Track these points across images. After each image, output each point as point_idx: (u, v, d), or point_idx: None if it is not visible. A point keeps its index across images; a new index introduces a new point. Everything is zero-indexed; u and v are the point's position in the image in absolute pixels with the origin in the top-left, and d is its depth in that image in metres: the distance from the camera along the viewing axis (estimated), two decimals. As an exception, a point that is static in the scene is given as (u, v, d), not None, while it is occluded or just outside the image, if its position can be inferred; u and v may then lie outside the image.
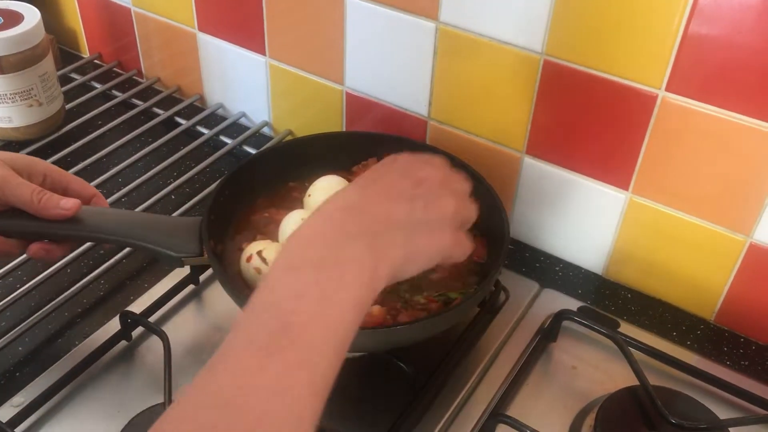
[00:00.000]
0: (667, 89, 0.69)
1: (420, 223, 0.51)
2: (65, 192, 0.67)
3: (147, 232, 0.67)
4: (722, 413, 0.67)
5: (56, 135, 1.00)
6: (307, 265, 0.45)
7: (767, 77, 0.64)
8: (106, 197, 0.79)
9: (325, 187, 0.77)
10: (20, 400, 0.67)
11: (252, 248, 0.70)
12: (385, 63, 0.87)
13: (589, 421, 0.67)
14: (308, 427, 0.40)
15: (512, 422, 0.64)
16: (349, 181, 0.78)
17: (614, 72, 0.71)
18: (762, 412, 0.68)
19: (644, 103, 0.71)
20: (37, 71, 0.94)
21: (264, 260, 0.68)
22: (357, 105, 0.92)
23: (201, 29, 1.02)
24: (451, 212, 0.53)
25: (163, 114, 1.05)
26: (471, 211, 0.57)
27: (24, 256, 0.69)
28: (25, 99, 0.95)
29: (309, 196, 0.77)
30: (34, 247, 0.66)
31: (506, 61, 0.77)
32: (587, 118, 0.75)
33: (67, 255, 0.76)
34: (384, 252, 0.47)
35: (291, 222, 0.73)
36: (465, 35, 0.78)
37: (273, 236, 0.75)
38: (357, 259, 0.46)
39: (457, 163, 0.78)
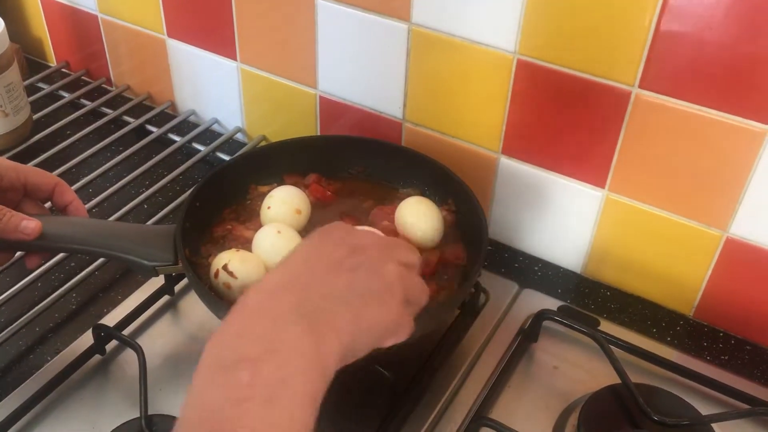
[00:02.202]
0: (641, 86, 0.69)
1: (365, 295, 0.46)
2: (25, 187, 0.65)
3: (119, 241, 0.66)
4: (704, 409, 0.67)
5: (24, 146, 0.98)
6: (243, 362, 0.39)
7: (738, 72, 0.64)
8: (76, 208, 0.78)
9: (283, 198, 0.75)
10: (-9, 419, 0.65)
11: (218, 262, 0.68)
12: (358, 66, 0.86)
13: (573, 420, 0.67)
14: None
15: (495, 425, 0.64)
16: (305, 191, 0.78)
17: (587, 70, 0.71)
18: (743, 406, 0.68)
19: (618, 100, 0.71)
20: (2, 81, 0.92)
21: (231, 274, 0.67)
22: (331, 109, 0.92)
23: (170, 35, 1.00)
24: (396, 281, 0.48)
25: (133, 122, 1.03)
26: (419, 284, 0.51)
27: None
28: (-9, 110, 0.93)
29: (269, 208, 0.75)
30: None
31: (480, 62, 0.76)
32: (562, 117, 0.75)
33: (44, 263, 0.74)
34: (329, 334, 0.42)
35: (262, 237, 0.71)
36: (438, 36, 0.77)
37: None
38: (299, 349, 0.40)
39: (433, 165, 0.79)
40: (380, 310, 0.46)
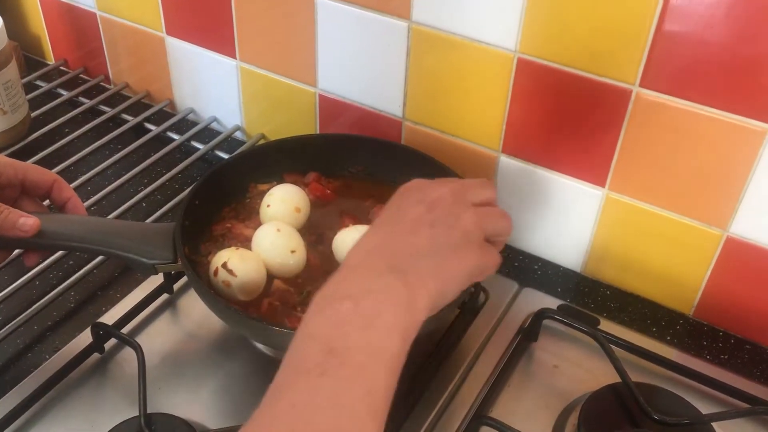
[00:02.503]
0: (641, 85, 0.69)
1: (446, 247, 0.50)
2: (23, 184, 0.65)
3: (118, 239, 0.65)
4: (704, 408, 0.67)
5: (22, 144, 0.98)
6: (344, 297, 0.45)
7: (739, 71, 0.64)
8: (75, 206, 0.77)
9: (282, 196, 0.75)
10: (-11, 417, 0.65)
11: (217, 260, 0.68)
12: (358, 64, 0.86)
13: (573, 420, 0.67)
14: None
15: (496, 424, 0.64)
16: (305, 190, 0.78)
17: (588, 69, 0.71)
18: (743, 405, 0.68)
19: (619, 99, 0.70)
20: (0, 79, 0.92)
21: (230, 272, 0.67)
22: (330, 107, 0.91)
23: (169, 33, 1.00)
24: (472, 227, 0.52)
25: (132, 120, 1.03)
26: (497, 218, 0.55)
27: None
28: (-11, 107, 0.93)
29: (268, 206, 0.75)
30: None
31: (480, 60, 0.76)
32: (562, 116, 0.75)
33: (43, 260, 0.74)
34: (418, 285, 0.47)
35: (262, 235, 0.71)
36: (438, 34, 0.77)
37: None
38: (391, 291, 0.46)
39: (433, 164, 0.78)
40: (462, 258, 0.51)
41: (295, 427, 0.39)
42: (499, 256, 0.54)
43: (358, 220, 0.76)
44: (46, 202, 0.72)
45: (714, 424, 0.66)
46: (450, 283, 0.50)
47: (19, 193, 0.66)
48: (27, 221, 0.61)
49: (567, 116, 0.75)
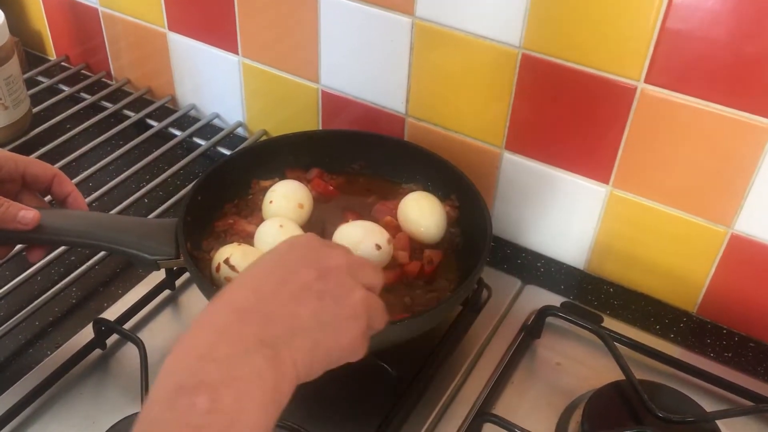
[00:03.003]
0: (646, 81, 0.68)
1: (328, 324, 0.46)
2: (23, 178, 0.65)
3: (121, 235, 0.65)
4: (708, 405, 0.67)
5: (23, 139, 0.98)
6: (201, 388, 0.39)
7: (745, 67, 0.64)
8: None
9: (285, 192, 0.75)
10: (-10, 413, 0.65)
11: (219, 256, 0.68)
12: (361, 60, 0.85)
13: (576, 417, 0.67)
14: None
15: (499, 421, 0.64)
16: (307, 186, 0.77)
17: (593, 65, 0.70)
18: (747, 403, 0.68)
19: (623, 95, 0.70)
20: (2, 74, 0.92)
21: (232, 268, 0.66)
22: (333, 103, 0.91)
23: (171, 29, 0.99)
24: (361, 309, 0.48)
25: (133, 116, 1.03)
26: (381, 310, 0.50)
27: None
28: (-10, 103, 0.92)
29: (271, 202, 0.75)
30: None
31: (484, 56, 0.76)
32: (566, 112, 0.75)
33: (45, 256, 0.74)
34: (287, 363, 0.43)
35: (264, 231, 0.71)
36: (442, 30, 0.77)
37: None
38: (257, 378, 0.41)
39: (436, 160, 0.78)
40: (340, 337, 0.47)
41: None
42: (367, 346, 0.49)
43: (360, 216, 0.76)
44: (48, 199, 0.71)
45: (718, 422, 0.65)
46: (320, 363, 0.45)
47: (20, 188, 0.66)
48: (27, 214, 0.61)
49: (571, 113, 0.74)
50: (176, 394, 0.39)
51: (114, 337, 0.72)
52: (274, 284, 0.46)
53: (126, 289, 0.78)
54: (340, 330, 0.47)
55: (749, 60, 0.63)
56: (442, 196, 0.77)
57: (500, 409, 0.68)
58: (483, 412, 0.66)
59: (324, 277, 0.47)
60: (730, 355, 0.75)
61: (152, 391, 0.40)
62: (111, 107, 1.04)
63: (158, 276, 0.76)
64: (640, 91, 0.69)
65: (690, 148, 0.70)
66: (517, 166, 0.81)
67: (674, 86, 0.67)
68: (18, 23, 1.14)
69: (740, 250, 0.73)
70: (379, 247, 0.69)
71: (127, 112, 1.04)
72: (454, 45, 0.77)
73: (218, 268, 0.67)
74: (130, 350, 0.70)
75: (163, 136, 1.01)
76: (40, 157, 0.93)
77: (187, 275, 0.79)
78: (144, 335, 0.71)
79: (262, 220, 0.74)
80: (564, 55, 0.71)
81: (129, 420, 0.64)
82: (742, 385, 0.69)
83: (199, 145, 0.99)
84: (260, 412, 0.40)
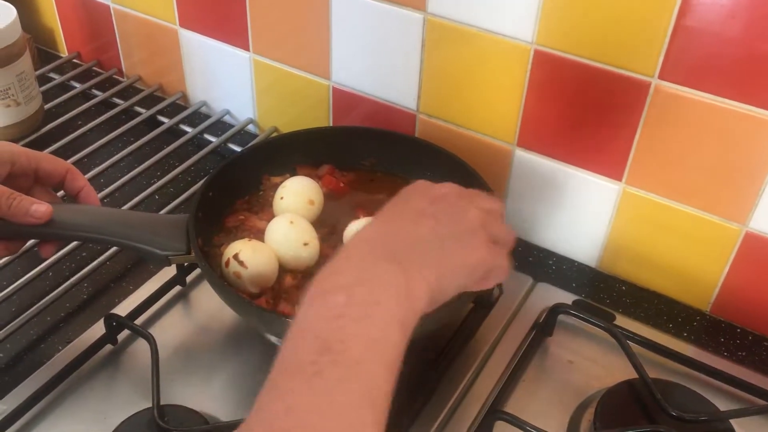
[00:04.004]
0: (660, 77, 0.68)
1: (449, 238, 0.49)
2: (36, 173, 0.65)
3: (132, 230, 0.65)
4: (721, 405, 0.67)
5: (35, 135, 0.98)
6: (337, 288, 0.44)
7: (759, 63, 0.63)
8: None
9: (296, 189, 0.75)
10: (2, 408, 0.65)
11: (229, 251, 0.68)
12: (372, 56, 0.85)
13: (588, 415, 0.66)
14: None
15: (511, 419, 0.63)
16: (318, 182, 0.77)
17: (606, 60, 0.70)
18: (762, 402, 0.67)
19: (637, 91, 0.70)
20: (14, 70, 0.92)
21: (241, 263, 0.66)
22: (344, 100, 0.91)
23: (182, 25, 1.00)
24: (477, 225, 0.50)
25: (144, 113, 1.03)
26: (502, 226, 0.53)
27: (2, 260, 0.67)
28: (2, 99, 0.93)
29: (281, 198, 0.74)
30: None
31: (496, 52, 0.75)
32: (579, 109, 0.74)
33: (57, 251, 0.74)
34: (416, 272, 0.46)
35: (275, 227, 0.71)
36: (454, 26, 0.76)
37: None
38: (389, 280, 0.45)
39: (448, 157, 0.78)
40: (464, 252, 0.49)
41: None
42: (507, 261, 0.52)
43: (371, 213, 0.75)
44: (60, 194, 0.72)
45: (732, 421, 0.65)
46: (450, 277, 0.48)
47: (33, 183, 0.66)
48: (39, 208, 0.61)
49: (584, 109, 0.74)
50: (316, 296, 0.44)
51: (125, 332, 0.72)
52: (396, 216, 0.51)
53: (137, 285, 0.78)
54: (462, 245, 0.49)
55: (764, 56, 0.62)
56: (454, 193, 0.77)
57: (512, 406, 0.67)
58: (494, 410, 0.65)
59: (436, 202, 0.51)
60: (744, 354, 0.75)
61: (301, 301, 0.45)
62: (122, 104, 1.05)
63: (169, 272, 0.76)
64: (654, 87, 0.69)
65: (704, 144, 0.69)
66: (529, 163, 0.81)
67: (689, 82, 0.67)
68: (30, 20, 1.15)
69: (755, 248, 0.72)
70: (390, 243, 0.69)
71: (138, 109, 1.04)
72: (466, 41, 0.76)
73: (227, 263, 0.67)
74: (141, 346, 0.70)
75: (174, 132, 1.01)
76: (51, 154, 0.94)
77: (198, 271, 0.79)
78: (155, 331, 0.71)
79: (272, 216, 0.74)
80: (577, 51, 0.71)
81: (140, 415, 0.64)
82: (757, 384, 0.68)
83: (210, 142, 0.99)
84: (393, 307, 0.44)
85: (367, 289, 0.44)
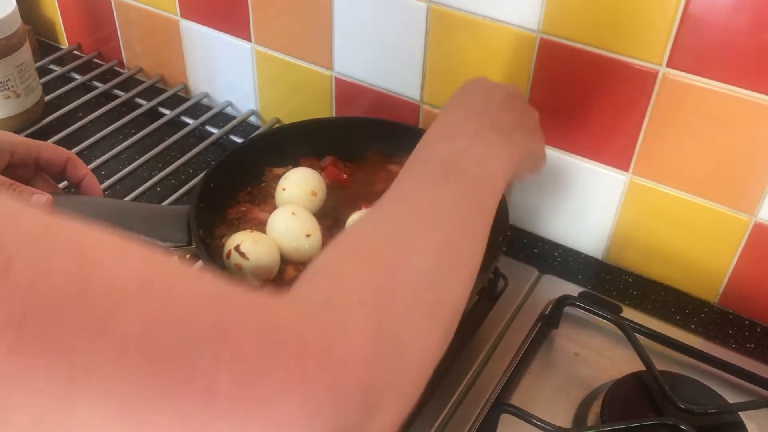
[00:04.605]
0: (668, 65, 0.67)
1: (529, 126, 0.59)
2: (37, 162, 0.64)
3: (133, 221, 0.64)
4: (730, 397, 0.66)
5: (36, 127, 0.97)
6: (458, 136, 0.52)
7: (770, 51, 0.62)
8: (89, 189, 0.76)
9: (298, 180, 0.74)
10: None
11: (230, 242, 0.67)
12: (375, 46, 0.84)
13: (595, 408, 0.66)
14: (478, 245, 0.47)
15: (517, 411, 0.62)
16: (321, 174, 0.76)
17: (613, 49, 0.69)
18: (771, 395, 0.67)
19: (644, 80, 0.69)
20: (14, 61, 0.91)
21: (243, 255, 0.65)
22: (347, 90, 0.90)
23: (184, 16, 0.99)
24: (538, 122, 0.61)
25: (146, 104, 1.02)
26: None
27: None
28: (2, 90, 0.92)
29: (284, 190, 0.74)
30: None
31: (501, 41, 0.74)
32: (585, 98, 0.73)
33: None
34: (514, 144, 0.54)
35: (277, 218, 0.70)
36: (458, 14, 0.75)
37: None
38: (497, 142, 0.53)
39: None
40: (536, 141, 0.60)
41: (423, 225, 0.44)
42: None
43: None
44: (63, 185, 0.71)
45: (741, 413, 0.64)
46: (527, 159, 0.57)
47: (33, 174, 0.65)
48: (40, 198, 0.60)
49: (590, 98, 0.73)
50: (437, 139, 0.53)
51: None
52: (484, 102, 0.58)
53: (138, 277, 0.77)
54: (536, 137, 0.60)
55: (775, 42, 0.61)
56: (458, 184, 0.76)
57: (517, 399, 0.67)
58: (500, 402, 0.65)
59: (513, 96, 0.60)
60: (752, 346, 0.74)
61: (421, 141, 0.53)
62: (123, 95, 1.04)
63: (171, 264, 0.75)
64: (662, 76, 0.68)
65: (713, 134, 0.68)
66: (534, 153, 0.80)
67: (697, 70, 0.66)
68: (30, 11, 1.14)
69: (763, 239, 0.71)
70: (394, 234, 0.68)
71: (139, 101, 1.03)
72: (471, 30, 0.75)
73: (228, 255, 0.66)
74: (143, 338, 0.69)
75: (175, 124, 1.00)
76: (52, 145, 0.93)
77: (199, 263, 0.78)
78: (156, 323, 0.70)
79: (275, 207, 0.73)
80: (584, 39, 0.70)
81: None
82: (765, 377, 0.67)
83: (212, 134, 0.98)
84: (504, 161, 0.52)
85: (484, 144, 0.52)
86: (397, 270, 0.41)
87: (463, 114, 0.56)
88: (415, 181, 0.48)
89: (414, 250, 0.42)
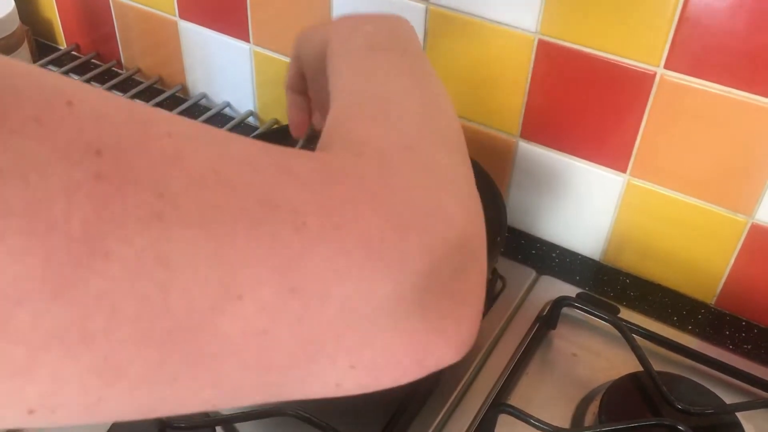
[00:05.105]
0: (666, 66, 0.67)
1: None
2: None
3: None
4: (727, 398, 0.66)
5: (33, 128, 0.97)
6: (365, 23, 0.50)
7: (767, 52, 0.62)
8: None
9: None
10: None
11: None
12: (374, 47, 0.84)
13: (593, 408, 0.66)
14: (443, 94, 0.47)
15: (514, 412, 0.63)
16: None
17: (611, 50, 0.69)
18: (767, 395, 0.67)
19: (642, 81, 0.69)
20: (12, 61, 0.91)
21: None
22: (345, 91, 0.90)
23: (182, 17, 0.99)
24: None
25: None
26: None
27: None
28: None
29: None
30: None
31: (499, 42, 0.75)
32: (584, 99, 0.74)
33: None
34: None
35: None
36: (456, 16, 0.76)
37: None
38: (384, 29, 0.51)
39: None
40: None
41: (392, 85, 0.43)
42: None
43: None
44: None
45: (738, 414, 0.64)
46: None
47: None
48: None
49: (588, 100, 0.73)
50: (351, 29, 0.49)
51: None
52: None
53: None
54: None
55: (773, 44, 0.62)
56: (457, 185, 0.76)
57: (515, 400, 0.67)
58: (498, 403, 0.65)
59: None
60: (749, 347, 0.74)
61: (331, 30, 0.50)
62: (122, 96, 1.04)
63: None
64: (660, 77, 0.68)
65: (710, 135, 0.69)
66: (532, 154, 0.80)
67: (695, 72, 0.66)
68: (28, 12, 1.14)
69: (761, 240, 0.71)
70: (392, 235, 0.68)
71: (137, 101, 1.03)
72: (469, 31, 0.76)
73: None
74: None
75: (173, 125, 1.00)
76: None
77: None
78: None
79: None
80: (582, 41, 0.70)
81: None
82: (762, 377, 0.68)
83: (210, 134, 0.98)
84: (414, 37, 0.53)
85: (380, 32, 0.49)
86: (403, 119, 0.40)
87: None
88: (351, 62, 0.46)
89: (401, 104, 0.41)
